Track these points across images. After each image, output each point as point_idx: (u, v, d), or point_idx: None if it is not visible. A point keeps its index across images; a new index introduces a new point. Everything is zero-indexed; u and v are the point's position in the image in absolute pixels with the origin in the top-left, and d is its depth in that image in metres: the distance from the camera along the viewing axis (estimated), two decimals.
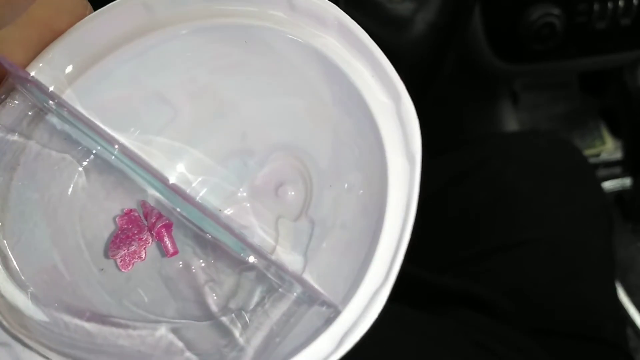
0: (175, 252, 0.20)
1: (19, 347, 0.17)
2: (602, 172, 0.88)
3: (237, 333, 0.16)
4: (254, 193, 0.24)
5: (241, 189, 0.24)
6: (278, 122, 0.23)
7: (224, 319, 0.17)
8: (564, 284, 0.54)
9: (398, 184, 0.17)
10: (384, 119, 0.18)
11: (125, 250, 0.20)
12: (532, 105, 0.89)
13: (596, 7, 0.71)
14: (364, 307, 0.16)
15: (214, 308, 0.20)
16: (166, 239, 0.20)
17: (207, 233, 0.18)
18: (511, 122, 0.85)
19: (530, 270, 0.55)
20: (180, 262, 0.22)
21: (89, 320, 0.16)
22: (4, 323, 0.16)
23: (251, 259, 0.17)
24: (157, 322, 0.16)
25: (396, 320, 0.45)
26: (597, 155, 0.90)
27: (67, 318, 0.17)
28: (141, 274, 0.21)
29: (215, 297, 0.22)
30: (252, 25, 0.20)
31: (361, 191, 0.20)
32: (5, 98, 0.18)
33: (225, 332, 0.16)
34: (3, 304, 0.16)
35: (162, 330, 0.16)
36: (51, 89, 0.20)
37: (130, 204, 0.21)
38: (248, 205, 0.24)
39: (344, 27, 0.18)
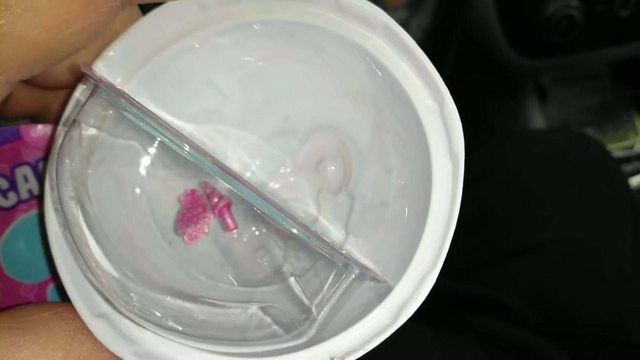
0: (235, 227, 0.23)
1: (115, 317, 0.20)
2: (636, 165, 0.83)
3: (313, 308, 0.18)
4: (296, 169, 0.26)
5: (285, 165, 0.26)
6: (319, 106, 0.25)
7: (297, 292, 0.19)
8: (587, 286, 0.53)
9: (441, 181, 0.19)
10: (427, 118, 0.20)
11: (193, 227, 0.22)
12: (561, 100, 0.84)
13: None
14: (415, 287, 0.19)
15: (267, 274, 0.23)
16: (227, 216, 0.23)
17: (257, 209, 0.20)
18: (538, 118, 0.81)
19: (551, 273, 0.54)
20: (235, 233, 0.25)
21: (189, 300, 0.19)
22: (105, 294, 0.19)
23: (295, 231, 0.19)
24: (249, 301, 0.19)
25: (415, 339, 0.46)
26: (631, 147, 0.85)
27: (153, 294, 0.19)
28: (202, 246, 0.24)
29: (267, 264, 0.25)
30: (299, 22, 0.22)
31: (402, 174, 0.22)
32: (88, 98, 0.20)
33: (303, 307, 0.19)
34: (103, 276, 0.18)
35: (254, 309, 0.19)
36: (118, 80, 0.22)
37: (192, 184, 0.24)
38: (292, 179, 0.26)
39: (390, 30, 0.20)
